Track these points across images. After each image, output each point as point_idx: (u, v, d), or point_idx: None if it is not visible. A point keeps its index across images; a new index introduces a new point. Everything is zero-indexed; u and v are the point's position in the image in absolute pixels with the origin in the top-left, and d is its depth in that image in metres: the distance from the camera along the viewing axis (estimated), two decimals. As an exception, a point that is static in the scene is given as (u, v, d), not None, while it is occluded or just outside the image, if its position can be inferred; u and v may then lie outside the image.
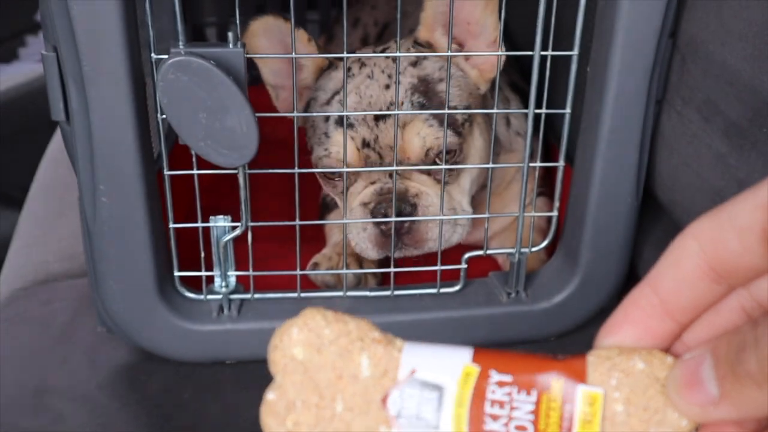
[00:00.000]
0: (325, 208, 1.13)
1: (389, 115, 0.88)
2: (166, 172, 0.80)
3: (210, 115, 0.71)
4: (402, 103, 0.89)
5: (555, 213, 0.87)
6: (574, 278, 0.89)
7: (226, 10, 1.68)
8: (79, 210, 0.84)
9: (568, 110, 0.82)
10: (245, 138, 0.73)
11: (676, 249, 0.34)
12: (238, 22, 0.75)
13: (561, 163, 0.85)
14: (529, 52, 0.78)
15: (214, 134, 0.73)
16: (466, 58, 0.94)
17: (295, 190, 0.83)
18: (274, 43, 0.91)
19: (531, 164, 0.83)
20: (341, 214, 1.10)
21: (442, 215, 0.88)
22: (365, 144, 0.89)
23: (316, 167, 0.94)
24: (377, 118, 0.89)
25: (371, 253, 0.92)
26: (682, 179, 0.82)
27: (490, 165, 0.85)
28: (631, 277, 0.94)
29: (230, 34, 0.73)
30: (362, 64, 0.94)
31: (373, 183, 0.91)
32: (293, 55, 0.77)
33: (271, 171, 0.82)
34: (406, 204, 0.88)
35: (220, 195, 1.21)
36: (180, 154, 0.98)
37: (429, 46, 0.94)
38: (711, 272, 0.33)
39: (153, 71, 0.75)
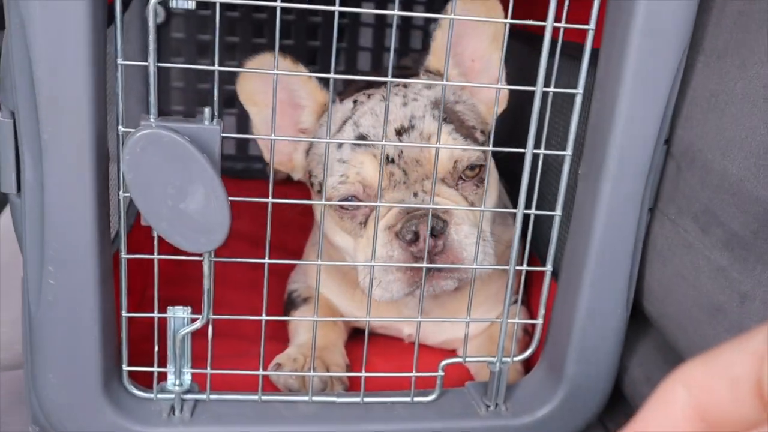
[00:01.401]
0: (291, 304, 1.06)
1: (413, 128, 0.83)
2: (124, 256, 0.73)
3: (178, 194, 0.65)
4: (423, 117, 0.85)
5: (540, 321, 0.82)
6: (558, 392, 0.83)
7: (194, 100, 1.65)
8: (22, 292, 0.76)
9: (558, 212, 0.78)
10: (215, 221, 0.67)
11: (663, 393, 0.32)
12: (216, 97, 0.70)
13: (549, 268, 0.80)
14: (521, 149, 0.75)
15: (182, 216, 0.66)
16: (472, 93, 0.92)
17: (264, 281, 0.76)
18: (269, 86, 0.85)
19: (518, 267, 0.78)
20: (310, 309, 1.03)
21: (470, 238, 0.82)
22: (389, 160, 0.84)
23: (330, 200, 0.86)
24: (399, 132, 0.84)
25: (398, 289, 0.82)
26: (676, 292, 0.77)
27: (483, 210, 0.80)
28: (615, 394, 0.88)
29: (206, 110, 0.68)
30: (369, 94, 0.91)
31: (396, 203, 0.84)
32: (275, 71, 0.71)
33: (239, 260, 0.75)
34: (438, 220, 0.80)
35: (175, 285, 1.14)
36: (137, 236, 0.92)
37: (440, 75, 0.91)
38: (699, 421, 0.31)
39: (119, 145, 0.70)
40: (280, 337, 1.07)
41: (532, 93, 0.72)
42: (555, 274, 0.86)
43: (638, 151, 0.74)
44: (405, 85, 0.90)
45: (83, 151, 0.67)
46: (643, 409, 0.33)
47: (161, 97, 1.66)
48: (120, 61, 0.67)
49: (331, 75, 0.71)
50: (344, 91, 1.18)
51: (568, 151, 0.75)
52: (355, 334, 1.09)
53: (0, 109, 0.70)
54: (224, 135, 0.69)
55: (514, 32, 0.72)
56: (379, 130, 0.85)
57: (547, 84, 0.72)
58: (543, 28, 0.69)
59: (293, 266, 1.15)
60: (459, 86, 0.91)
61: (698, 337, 0.74)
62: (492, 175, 0.91)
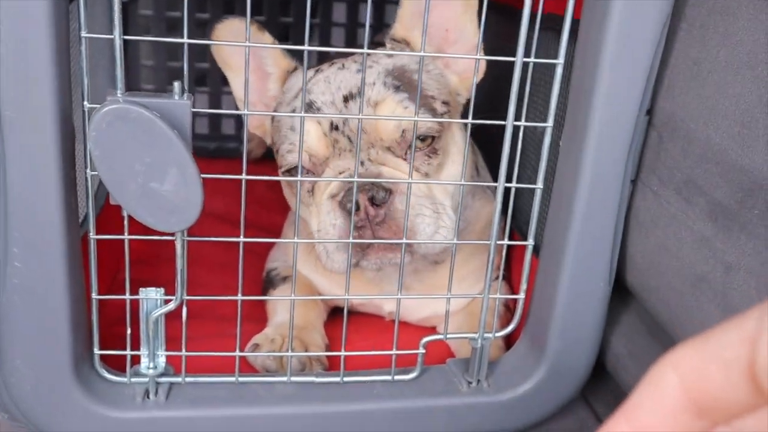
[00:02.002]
0: (269, 283, 1.04)
1: (359, 93, 0.81)
2: (93, 236, 0.70)
3: (148, 172, 0.63)
4: (374, 83, 0.82)
5: (522, 296, 0.81)
6: (540, 367, 0.82)
7: (164, 79, 1.61)
8: (-13, 277, 0.73)
9: (539, 185, 0.76)
10: (187, 200, 0.65)
11: (654, 379, 0.31)
12: (186, 71, 0.67)
13: (530, 242, 0.78)
14: (502, 122, 0.73)
15: (152, 194, 0.64)
16: (446, 63, 0.90)
17: (239, 260, 0.74)
18: (242, 50, 0.84)
19: (499, 242, 0.77)
20: (289, 288, 1.02)
21: (416, 209, 0.79)
22: (333, 127, 0.82)
23: (281, 169, 0.86)
24: (346, 99, 0.82)
25: (341, 259, 0.80)
26: (659, 264, 0.76)
27: (462, 183, 0.77)
28: (597, 368, 0.88)
29: (176, 84, 0.65)
30: (333, 62, 0.89)
31: (342, 173, 0.82)
32: (247, 44, 0.68)
33: (213, 239, 0.73)
34: (380, 189, 0.78)
35: (148, 266, 1.12)
36: (107, 217, 0.89)
37: (406, 44, 0.89)
38: (692, 406, 0.30)
39: (84, 122, 0.67)
40: (257, 317, 1.05)
41: (509, 67, 0.70)
42: (536, 248, 0.84)
43: (620, 121, 0.73)
44: (369, 54, 0.88)
45: (47, 128, 0.64)
46: (633, 395, 0.32)
47: (131, 76, 1.62)
48: (83, 34, 0.64)
49: (305, 47, 0.68)
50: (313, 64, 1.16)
51: (549, 123, 0.74)
52: (334, 313, 1.07)
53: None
54: (195, 110, 0.67)
55: (489, 3, 0.69)
56: (327, 97, 0.83)
57: (526, 55, 0.71)
58: (519, 1, 0.67)
59: (270, 245, 1.13)
60: (430, 60, 0.89)
61: (681, 309, 0.73)
62: (456, 145, 0.88)
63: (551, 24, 0.82)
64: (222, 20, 0.86)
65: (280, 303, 0.99)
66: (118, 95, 0.63)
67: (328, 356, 0.92)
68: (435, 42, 0.89)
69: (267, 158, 1.14)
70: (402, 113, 0.81)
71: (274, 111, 0.92)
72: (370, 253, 0.80)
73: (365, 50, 0.69)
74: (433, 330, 1.05)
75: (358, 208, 0.77)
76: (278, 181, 1.12)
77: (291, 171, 0.85)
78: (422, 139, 0.82)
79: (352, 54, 0.93)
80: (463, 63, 0.89)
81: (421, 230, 0.79)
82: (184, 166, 0.64)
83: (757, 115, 0.64)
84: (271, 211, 1.29)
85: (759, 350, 0.27)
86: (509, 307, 1.01)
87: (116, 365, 0.78)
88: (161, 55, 1.62)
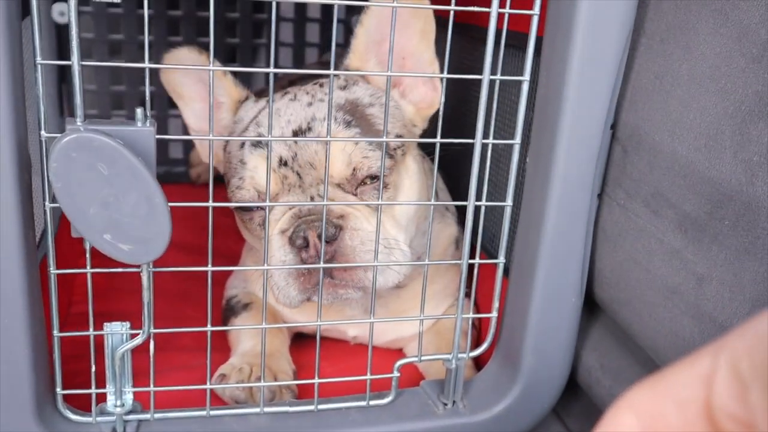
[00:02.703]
0: (230, 311, 1.02)
1: (310, 130, 0.80)
2: (53, 271, 0.67)
3: (113, 203, 0.61)
4: (324, 119, 0.81)
5: (494, 314, 0.80)
6: (515, 385, 0.81)
7: (108, 104, 1.57)
8: (-61, 317, 0.69)
9: (509, 202, 0.76)
10: (155, 230, 0.62)
11: (611, 420, 0.31)
12: (148, 98, 0.65)
13: (501, 260, 0.78)
14: (470, 140, 0.73)
15: (118, 226, 0.61)
16: (402, 93, 0.89)
17: (208, 288, 0.72)
18: (192, 81, 0.83)
19: (471, 261, 0.76)
20: (251, 316, 0.99)
21: (367, 245, 0.78)
22: (282, 163, 0.80)
23: (232, 201, 0.84)
24: (296, 134, 0.81)
25: (294, 295, 0.79)
26: (628, 277, 0.77)
27: (431, 202, 0.76)
28: (568, 383, 0.88)
29: (138, 111, 0.63)
30: (285, 92, 0.88)
31: (291, 208, 0.81)
32: (211, 67, 0.67)
33: (180, 269, 0.71)
34: (329, 226, 0.77)
35: (104, 299, 1.08)
36: (62, 251, 0.86)
37: (360, 76, 0.88)
38: None
39: (42, 152, 0.64)
40: (219, 347, 1.02)
41: (469, 89, 0.70)
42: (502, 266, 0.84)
43: (587, 136, 0.73)
44: (321, 84, 0.87)
45: (3, 161, 0.61)
46: None
47: (72, 101, 1.58)
48: (39, 61, 0.62)
49: (271, 69, 0.67)
50: (264, 89, 1.14)
51: (517, 140, 0.74)
52: (295, 339, 1.05)
53: None
54: (159, 137, 0.65)
55: (447, 23, 0.69)
56: (277, 131, 0.82)
57: (492, 73, 0.70)
58: (479, 20, 0.68)
59: (229, 274, 1.10)
60: (378, 88, 0.88)
61: (653, 321, 0.74)
62: (409, 177, 0.87)
63: (513, 41, 0.82)
64: (169, 50, 0.85)
65: (243, 331, 0.97)
66: (78, 124, 0.61)
67: (297, 384, 0.90)
68: (392, 69, 0.88)
69: (216, 182, 1.12)
70: (352, 149, 0.79)
71: (226, 142, 0.90)
72: (324, 289, 0.78)
73: (331, 71, 0.68)
74: (399, 353, 1.03)
75: (307, 245, 0.76)
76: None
77: (242, 207, 0.84)
78: (374, 177, 0.81)
79: (316, 76, 0.91)
80: (419, 93, 0.89)
81: (369, 269, 0.78)
82: (150, 196, 0.61)
83: (723, 127, 0.65)
84: (227, 238, 1.27)
85: (714, 390, 0.27)
86: (475, 326, 1.01)
87: (78, 404, 0.74)
88: (104, 79, 1.58)
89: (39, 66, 0.62)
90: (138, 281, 0.68)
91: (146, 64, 0.63)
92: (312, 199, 0.80)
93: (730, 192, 0.64)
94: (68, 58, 0.61)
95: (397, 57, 0.85)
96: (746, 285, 0.63)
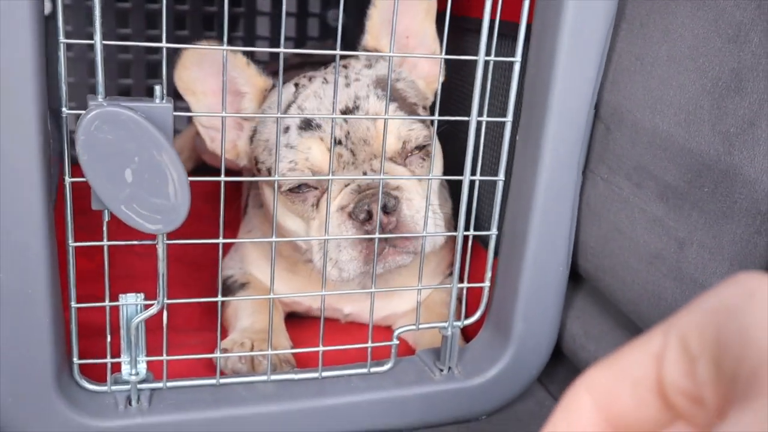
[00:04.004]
0: (227, 291, 1.05)
1: (358, 108, 0.84)
2: (72, 244, 0.70)
3: (137, 175, 0.64)
4: (367, 96, 0.85)
5: (487, 284, 0.85)
6: (507, 351, 0.86)
7: (86, 95, 1.58)
8: (-42, 291, 0.71)
9: (501, 177, 0.81)
10: (175, 201, 0.66)
11: (569, 401, 0.31)
12: (164, 76, 0.68)
13: (494, 231, 0.83)
14: (465, 118, 0.77)
15: (140, 196, 0.65)
16: (411, 69, 0.93)
17: (219, 260, 0.75)
18: (208, 74, 0.84)
19: (466, 233, 0.81)
20: (248, 295, 1.02)
21: (421, 212, 0.84)
22: (336, 142, 0.83)
23: (280, 188, 0.86)
24: (345, 113, 0.84)
25: (356, 266, 0.83)
26: (612, 245, 0.82)
27: (432, 178, 0.82)
28: (553, 353, 0.93)
29: (157, 88, 0.66)
30: (310, 77, 0.91)
31: (347, 185, 0.84)
32: (224, 47, 0.70)
33: (194, 242, 0.74)
34: (389, 197, 0.81)
35: (96, 282, 1.10)
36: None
37: (375, 52, 0.92)
38: (607, 427, 0.31)
39: (64, 128, 0.67)
40: (213, 327, 1.05)
41: (465, 72, 0.74)
42: (485, 241, 0.89)
43: (575, 115, 0.78)
44: (345, 66, 0.91)
45: (31, 133, 0.63)
46: (549, 420, 0.32)
47: (53, 95, 1.59)
48: (62, 40, 0.64)
49: (281, 49, 0.70)
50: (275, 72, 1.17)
51: (509, 117, 0.79)
52: (288, 318, 1.09)
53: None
54: (176, 113, 0.68)
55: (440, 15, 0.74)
56: (324, 112, 0.85)
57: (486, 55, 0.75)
58: (470, 11, 0.72)
59: (223, 256, 1.13)
60: (397, 63, 0.93)
61: (637, 286, 0.79)
62: (436, 147, 0.92)
63: (504, 30, 0.86)
64: (190, 46, 0.85)
65: (241, 309, 1.00)
66: (100, 100, 0.64)
67: (296, 356, 0.93)
68: (398, 49, 0.93)
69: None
70: (399, 124, 0.84)
71: (255, 131, 0.92)
72: (381, 259, 0.83)
73: (337, 51, 0.72)
74: (391, 329, 1.08)
75: (369, 218, 0.81)
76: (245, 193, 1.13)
77: (293, 189, 0.86)
78: (420, 147, 0.86)
79: (322, 62, 0.94)
80: (425, 67, 0.93)
81: (423, 230, 0.83)
82: (172, 168, 0.65)
83: (702, 102, 0.71)
84: (216, 226, 1.29)
85: (665, 367, 0.28)
86: (460, 300, 1.05)
87: (91, 375, 0.77)
88: (81, 72, 1.59)
89: (62, 45, 0.64)
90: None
91: (163, 44, 0.67)
92: (365, 173, 0.84)
93: (709, 161, 0.70)
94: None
95: (401, 36, 0.90)
96: (725, 246, 0.69)
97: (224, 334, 1.00)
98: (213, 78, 0.86)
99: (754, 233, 0.66)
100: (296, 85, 0.90)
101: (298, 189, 0.86)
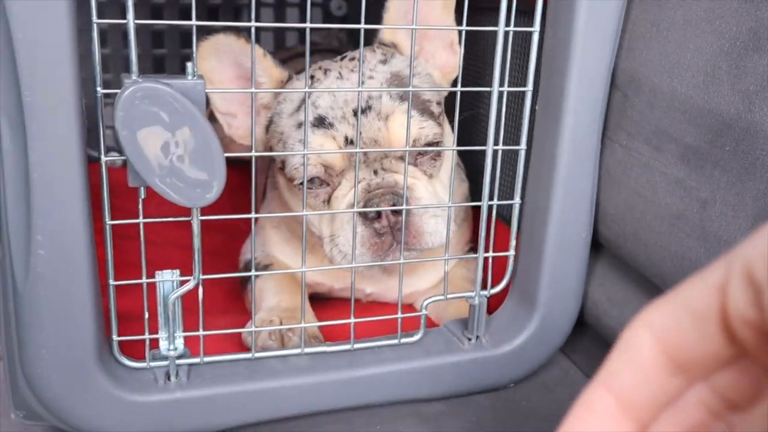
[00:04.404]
0: (246, 279, 1.06)
1: (370, 108, 0.85)
2: (108, 222, 0.71)
3: (175, 149, 0.65)
4: (380, 96, 0.86)
5: (512, 252, 0.87)
6: (533, 318, 0.88)
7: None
8: (-3, 273, 0.73)
9: (523, 146, 0.82)
10: (211, 174, 0.67)
11: (628, 341, 0.31)
12: (195, 53, 0.70)
13: (517, 201, 0.84)
14: (488, 88, 0.79)
15: (178, 170, 0.66)
16: (427, 59, 0.94)
17: (252, 234, 0.76)
18: (226, 65, 0.86)
19: (490, 202, 0.82)
20: (272, 276, 1.04)
21: (429, 211, 0.86)
22: (348, 141, 0.85)
23: (292, 181, 0.88)
24: (356, 114, 0.86)
25: (363, 261, 0.86)
26: (634, 210, 0.84)
27: (454, 149, 0.83)
28: (577, 320, 0.94)
29: (189, 65, 0.68)
30: (326, 70, 0.92)
31: (358, 183, 0.86)
32: (252, 24, 0.71)
33: (227, 217, 0.75)
34: (399, 197, 0.84)
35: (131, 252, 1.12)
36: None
37: (393, 46, 0.94)
38: (669, 364, 0.30)
39: (99, 108, 0.68)
40: (238, 310, 1.07)
41: (478, 51, 0.76)
42: (505, 217, 0.90)
43: (594, 83, 0.80)
44: (357, 60, 0.92)
45: (68, 111, 0.65)
46: (608, 361, 0.32)
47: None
48: (95, 20, 0.66)
49: (308, 24, 0.72)
50: (289, 60, 1.18)
51: (529, 87, 0.80)
52: (310, 300, 1.10)
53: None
54: (208, 90, 0.69)
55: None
56: (338, 111, 0.86)
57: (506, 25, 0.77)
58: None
59: (245, 239, 1.15)
60: (416, 55, 0.94)
61: (659, 248, 0.81)
62: (447, 140, 0.93)
63: (520, 6, 0.88)
64: (205, 37, 0.86)
65: (266, 289, 1.02)
66: (134, 78, 0.65)
67: (322, 333, 0.95)
68: (415, 40, 0.94)
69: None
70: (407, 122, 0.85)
71: (270, 121, 0.93)
72: (389, 254, 0.86)
73: (360, 45, 0.74)
74: (412, 307, 1.09)
75: (379, 216, 0.83)
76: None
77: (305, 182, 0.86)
78: (428, 145, 0.88)
79: (329, 45, 0.95)
80: (441, 58, 0.94)
81: (431, 230, 0.86)
82: (208, 142, 0.66)
83: (720, 63, 0.73)
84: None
85: (729, 297, 0.27)
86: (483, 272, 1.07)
87: (127, 352, 0.78)
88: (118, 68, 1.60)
89: (95, 25, 0.66)
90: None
91: (193, 22, 0.68)
92: (375, 172, 0.86)
93: (729, 120, 0.72)
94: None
95: (420, 25, 0.91)
96: (748, 203, 0.70)
97: (250, 316, 1.01)
98: (230, 68, 0.87)
99: (777, 187, 0.68)
100: (312, 77, 0.91)
101: (310, 184, 0.88)
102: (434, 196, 0.88)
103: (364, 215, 0.84)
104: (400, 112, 0.85)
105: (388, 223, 0.84)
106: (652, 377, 0.30)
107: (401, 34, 0.93)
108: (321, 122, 0.86)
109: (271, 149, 0.93)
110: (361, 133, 0.85)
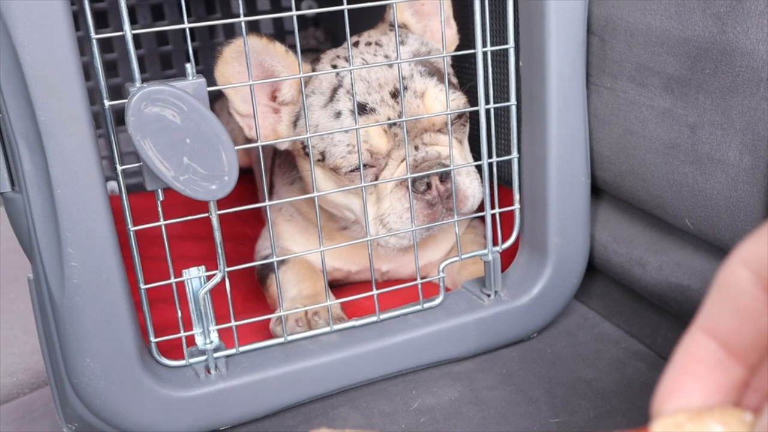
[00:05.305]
0: (268, 269, 1.08)
1: (406, 88, 0.89)
2: (132, 228, 0.74)
3: (188, 145, 0.68)
4: (412, 76, 0.90)
5: (517, 206, 0.90)
6: (546, 267, 0.91)
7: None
8: (32, 294, 0.76)
9: (513, 101, 0.86)
10: (225, 165, 0.70)
11: (724, 281, 0.30)
12: (191, 53, 0.73)
13: (515, 155, 0.88)
14: (471, 51, 0.82)
15: (192, 166, 0.69)
16: (430, 35, 0.98)
17: (268, 224, 0.79)
18: (243, 68, 0.88)
19: (490, 160, 0.86)
20: (289, 269, 1.07)
21: (470, 175, 0.92)
22: (392, 124, 0.89)
23: (337, 169, 0.90)
24: (394, 95, 0.89)
25: (417, 234, 0.90)
26: (627, 147, 0.87)
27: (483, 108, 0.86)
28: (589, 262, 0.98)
29: (188, 66, 0.71)
30: (344, 58, 0.94)
31: (402, 160, 0.89)
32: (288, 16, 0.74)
33: (243, 208, 0.78)
34: (443, 167, 0.88)
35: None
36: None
37: (403, 27, 0.97)
38: None
39: (107, 119, 0.71)
40: (258, 308, 1.10)
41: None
42: (505, 179, 0.93)
43: (573, 29, 0.83)
44: (378, 44, 0.94)
45: (82, 126, 0.68)
46: (706, 303, 0.31)
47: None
48: (94, 36, 0.69)
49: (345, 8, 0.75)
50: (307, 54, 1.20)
51: (511, 44, 0.84)
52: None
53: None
54: (210, 89, 0.72)
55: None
56: (375, 95, 0.89)
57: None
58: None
59: (257, 237, 1.17)
60: (422, 33, 0.97)
61: (657, 179, 0.84)
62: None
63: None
64: (230, 41, 0.86)
65: (285, 282, 1.04)
66: (137, 86, 0.68)
67: (344, 312, 0.98)
68: (412, 15, 0.97)
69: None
70: (440, 95, 0.89)
71: (298, 116, 0.95)
72: (438, 219, 0.90)
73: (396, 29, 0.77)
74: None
75: (429, 188, 0.87)
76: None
77: (354, 170, 0.89)
78: (461, 115, 0.93)
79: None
80: (440, 33, 0.96)
81: (473, 193, 0.91)
82: (217, 135, 0.69)
83: (690, -8, 0.76)
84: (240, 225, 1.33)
85: None
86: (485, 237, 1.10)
87: (164, 354, 0.81)
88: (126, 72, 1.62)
89: (94, 40, 0.69)
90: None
91: (186, 25, 0.71)
92: (417, 147, 0.90)
93: (706, 45, 0.75)
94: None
95: (418, 4, 0.96)
96: (735, 119, 0.74)
97: (271, 312, 1.04)
98: (253, 70, 0.89)
99: (760, 100, 0.71)
100: (334, 67, 0.94)
101: (356, 169, 0.90)
102: (466, 161, 0.93)
103: (415, 189, 0.88)
104: (433, 87, 0.89)
105: (438, 193, 0.88)
106: (756, 315, 0.29)
107: (407, 14, 0.96)
108: (362, 109, 0.89)
109: (302, 144, 0.95)
110: (401, 114, 0.88)
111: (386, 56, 0.93)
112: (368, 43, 0.95)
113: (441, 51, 0.97)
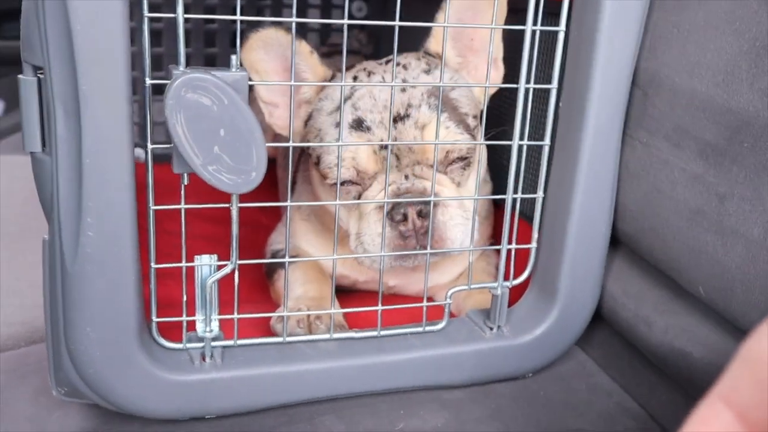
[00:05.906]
0: (277, 264, 1.09)
1: (408, 116, 0.88)
2: (152, 207, 0.75)
3: (221, 136, 0.68)
4: (419, 106, 0.89)
5: (534, 245, 0.90)
6: (553, 310, 0.91)
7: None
8: (44, 255, 0.76)
9: (547, 142, 0.86)
10: (254, 160, 0.70)
11: (750, 352, 0.29)
12: (238, 47, 0.73)
13: (540, 195, 0.88)
14: (514, 85, 0.82)
15: (222, 157, 0.69)
16: (469, 72, 0.98)
17: (287, 221, 0.80)
18: (272, 57, 0.89)
19: (514, 195, 0.86)
20: (298, 267, 1.07)
21: (454, 219, 0.90)
22: (383, 146, 0.89)
23: (325, 177, 0.92)
24: (395, 120, 0.89)
25: (385, 260, 0.89)
26: (653, 206, 0.87)
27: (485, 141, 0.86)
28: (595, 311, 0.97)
29: (233, 58, 0.71)
30: (369, 72, 0.95)
31: (389, 185, 0.89)
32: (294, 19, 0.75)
33: (265, 204, 0.79)
34: (426, 204, 0.87)
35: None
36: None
37: (438, 57, 0.96)
38: None
39: (146, 97, 0.72)
40: (263, 300, 1.10)
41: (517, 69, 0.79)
42: (527, 214, 0.93)
43: (617, 82, 0.83)
44: (404, 67, 0.94)
45: (121, 100, 0.68)
46: (727, 373, 0.30)
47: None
48: (146, 14, 0.69)
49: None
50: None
51: (554, 84, 0.83)
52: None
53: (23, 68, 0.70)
54: (251, 83, 0.73)
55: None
56: (377, 115, 0.90)
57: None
58: None
59: (272, 231, 1.18)
60: (456, 69, 0.97)
61: (677, 243, 0.84)
62: (483, 151, 0.97)
63: (547, 8, 0.91)
64: (255, 31, 0.89)
65: (292, 280, 1.05)
66: (181, 69, 0.69)
67: (349, 324, 0.98)
68: (460, 49, 0.97)
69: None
70: (444, 133, 0.89)
71: (310, 116, 0.96)
72: (410, 258, 0.90)
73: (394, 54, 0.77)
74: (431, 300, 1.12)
75: (405, 219, 0.87)
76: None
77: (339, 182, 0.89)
78: (461, 158, 0.92)
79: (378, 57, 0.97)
80: (484, 71, 0.96)
81: (454, 237, 0.89)
82: (251, 131, 0.69)
83: (740, 63, 0.76)
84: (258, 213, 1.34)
85: None
86: (497, 268, 1.10)
87: (163, 334, 0.82)
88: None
89: (146, 18, 0.69)
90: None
91: (238, 16, 0.72)
92: (406, 177, 0.89)
93: (748, 118, 0.75)
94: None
95: (467, 38, 0.95)
96: (765, 197, 0.73)
97: (275, 307, 1.04)
98: (276, 60, 0.90)
99: (793, 182, 0.71)
100: (354, 78, 0.94)
101: (342, 183, 0.91)
102: (460, 204, 0.91)
103: (390, 217, 0.87)
104: (434, 122, 0.88)
105: (413, 227, 0.87)
106: None
107: (447, 46, 0.96)
108: (359, 124, 0.89)
109: (308, 143, 0.96)
110: (396, 139, 0.89)
111: (404, 80, 0.92)
112: (398, 63, 0.96)
113: (473, 90, 0.96)
